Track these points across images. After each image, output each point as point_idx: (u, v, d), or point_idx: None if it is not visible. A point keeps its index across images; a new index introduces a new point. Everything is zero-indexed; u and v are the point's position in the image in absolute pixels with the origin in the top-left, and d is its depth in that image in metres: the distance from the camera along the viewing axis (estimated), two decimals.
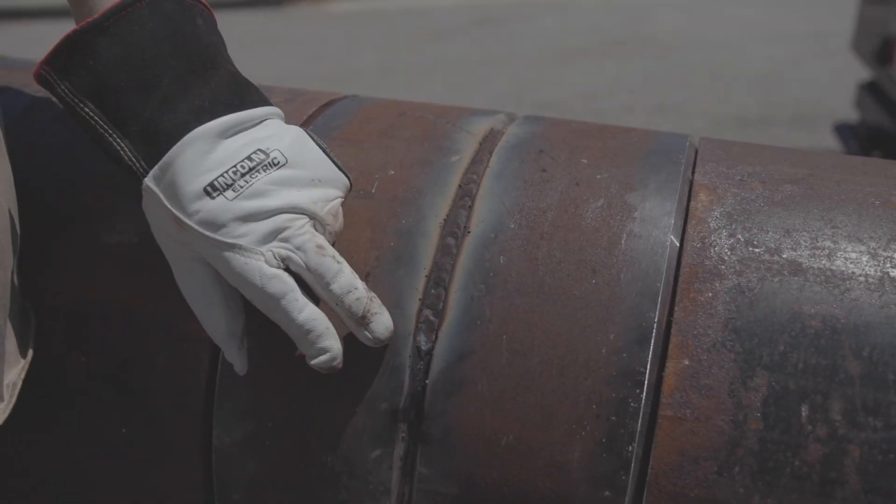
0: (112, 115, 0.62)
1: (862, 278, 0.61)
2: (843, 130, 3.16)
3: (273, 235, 0.61)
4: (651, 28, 6.39)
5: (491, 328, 0.63)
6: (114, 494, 0.75)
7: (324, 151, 0.66)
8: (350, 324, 0.63)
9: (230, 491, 0.69)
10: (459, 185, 0.70)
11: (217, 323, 0.64)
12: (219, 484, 0.69)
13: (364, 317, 0.62)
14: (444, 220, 0.68)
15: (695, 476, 0.59)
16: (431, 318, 0.65)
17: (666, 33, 6.22)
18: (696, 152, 0.74)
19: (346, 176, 0.67)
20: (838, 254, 0.62)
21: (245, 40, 5.86)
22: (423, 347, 0.64)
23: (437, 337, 0.64)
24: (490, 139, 0.76)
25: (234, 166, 0.61)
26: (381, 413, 0.64)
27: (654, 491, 0.60)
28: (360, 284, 0.62)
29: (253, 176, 0.61)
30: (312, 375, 0.65)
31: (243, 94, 0.64)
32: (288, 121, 0.68)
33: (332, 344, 0.62)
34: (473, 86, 5.30)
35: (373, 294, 0.63)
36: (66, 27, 0.65)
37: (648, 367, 0.60)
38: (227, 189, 0.61)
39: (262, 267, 0.61)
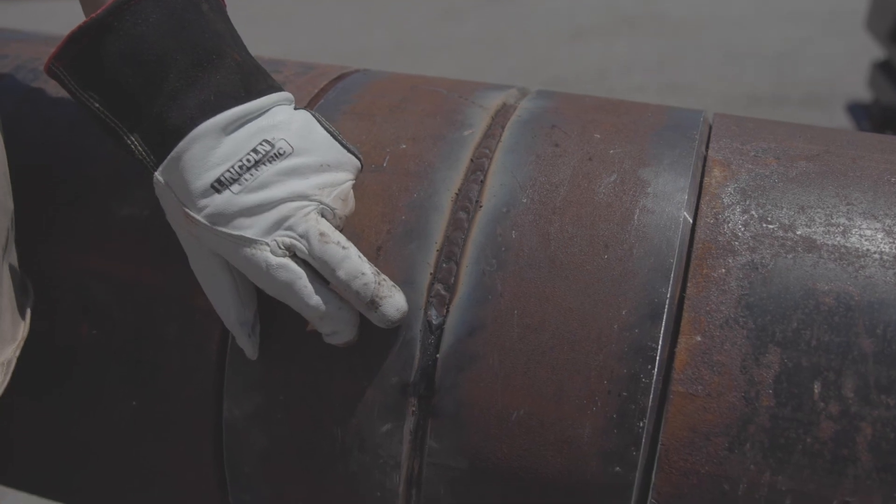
0: (120, 111, 0.62)
1: (877, 255, 0.60)
2: (856, 110, 3.13)
3: (278, 225, 0.62)
4: (664, 6, 6.34)
5: (502, 303, 0.63)
6: (123, 467, 0.75)
7: (332, 135, 0.66)
8: (360, 308, 0.63)
9: (240, 464, 0.69)
10: (471, 160, 0.70)
11: (228, 310, 0.65)
12: (229, 457, 0.69)
13: (373, 301, 0.62)
14: (456, 194, 0.68)
15: (706, 452, 0.59)
16: (443, 292, 0.64)
17: (679, 12, 6.17)
18: (711, 128, 0.73)
19: (357, 157, 0.67)
20: (853, 231, 0.62)
21: (256, 18, 5.84)
22: (434, 322, 0.64)
23: (448, 311, 0.64)
24: (503, 113, 0.75)
25: (241, 160, 0.62)
26: (391, 387, 0.64)
27: (665, 467, 0.60)
28: (368, 268, 0.63)
29: (258, 168, 0.62)
30: (323, 349, 0.65)
31: (250, 84, 0.64)
32: (299, 98, 0.67)
33: (345, 327, 0.63)
34: (485, 64, 5.27)
35: (382, 277, 0.63)
36: (77, 6, 0.65)
37: (660, 342, 0.60)
38: (234, 183, 0.61)
39: (267, 257, 0.61)
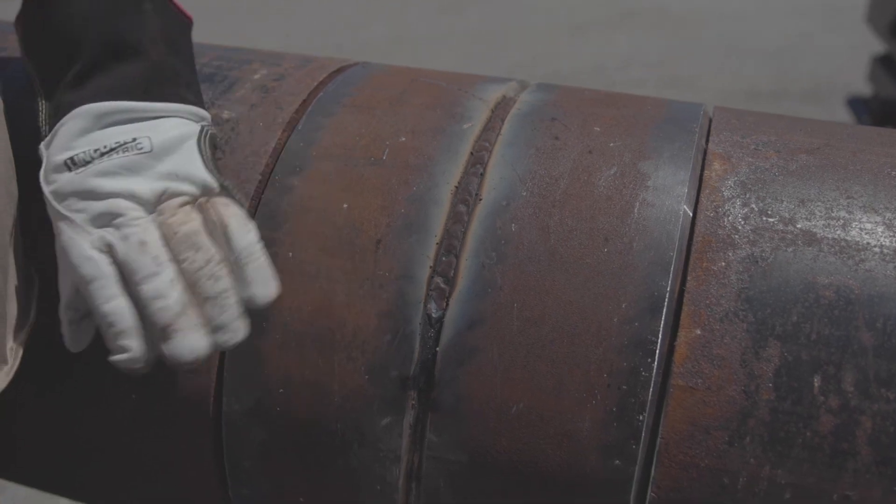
0: (43, 80, 0.65)
1: (877, 249, 0.60)
2: (856, 104, 3.13)
3: (108, 219, 0.60)
4: (663, 1, 6.33)
5: (502, 296, 0.63)
6: (124, 462, 0.75)
7: (201, 155, 0.64)
8: (152, 333, 0.59)
9: (240, 459, 0.69)
10: (471, 153, 0.70)
11: (62, 292, 0.63)
12: (229, 452, 0.69)
13: (165, 329, 0.58)
14: (456, 187, 0.68)
15: (706, 446, 0.59)
16: (442, 285, 0.64)
17: (679, 6, 6.16)
18: (711, 121, 0.73)
19: (217, 179, 0.64)
20: (853, 224, 0.62)
21: (256, 11, 5.83)
22: (434, 315, 0.64)
23: (447, 305, 0.64)
24: (502, 106, 0.75)
25: (100, 147, 0.61)
26: (391, 381, 0.64)
27: (665, 460, 0.60)
28: (176, 295, 0.59)
29: (109, 157, 0.61)
30: (323, 344, 0.65)
31: (155, 87, 0.64)
32: (298, 90, 0.68)
33: (134, 344, 0.59)
34: (484, 58, 5.26)
35: (196, 314, 0.60)
36: None
37: (660, 336, 0.60)
38: (84, 165, 0.61)
39: (83, 246, 0.59)
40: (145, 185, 0.61)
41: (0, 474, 0.85)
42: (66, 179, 0.61)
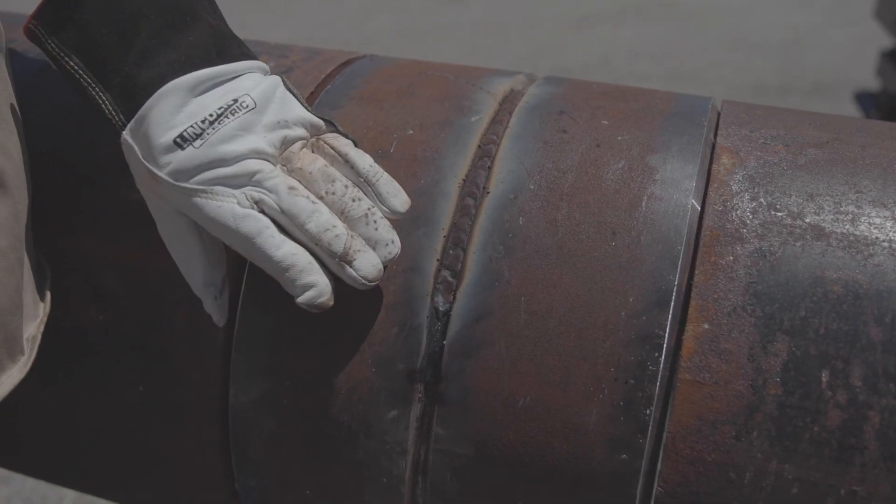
0: (95, 69, 0.62)
1: (886, 244, 0.60)
2: (864, 99, 3.12)
3: (245, 179, 0.61)
4: None
5: (509, 289, 0.63)
6: (130, 453, 0.75)
7: (294, 95, 0.65)
8: (332, 266, 0.61)
9: (247, 449, 0.69)
10: (479, 146, 0.70)
11: (195, 272, 0.64)
12: (235, 442, 0.70)
13: (346, 254, 0.60)
14: (464, 180, 0.68)
15: (712, 440, 0.59)
16: (450, 278, 0.64)
17: None
18: (719, 115, 0.73)
19: (320, 116, 0.66)
20: (862, 219, 0.62)
21: (260, 4, 5.83)
22: (441, 308, 0.64)
23: (454, 298, 0.64)
24: (510, 99, 0.75)
25: (205, 117, 0.61)
26: (398, 373, 0.64)
27: (671, 454, 0.60)
28: (340, 223, 0.61)
29: (221, 122, 0.61)
30: (330, 335, 0.65)
31: (223, 48, 0.64)
32: (306, 83, 0.67)
33: (317, 279, 0.61)
34: (489, 51, 5.25)
35: (356, 235, 0.62)
36: None
37: (668, 330, 0.60)
38: (196, 139, 0.60)
39: (234, 209, 0.60)
40: (266, 140, 0.62)
41: (6, 465, 0.86)
42: (185, 157, 0.60)
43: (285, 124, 0.63)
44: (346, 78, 0.78)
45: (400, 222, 0.66)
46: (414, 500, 0.67)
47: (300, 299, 0.61)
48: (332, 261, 0.61)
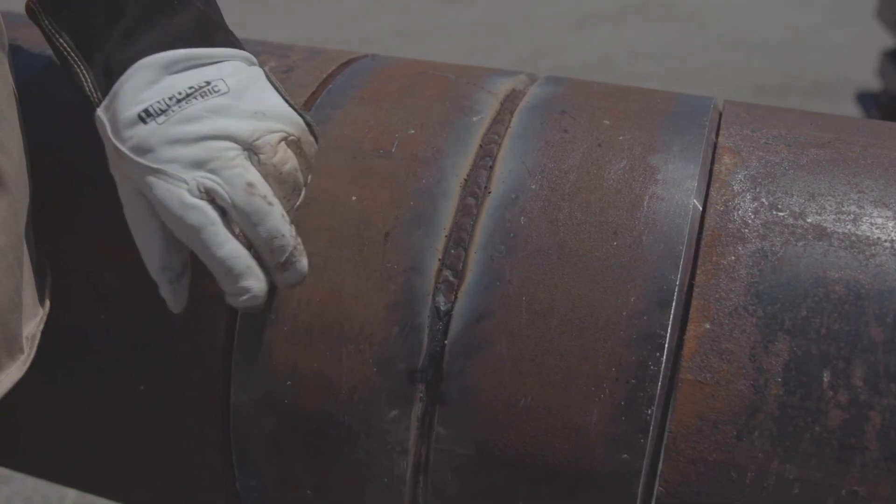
0: (82, 48, 0.62)
1: (888, 244, 0.60)
2: (865, 99, 3.12)
3: (201, 165, 0.59)
4: None
5: (511, 289, 0.63)
6: (131, 452, 0.75)
7: (278, 92, 0.64)
8: (269, 266, 0.61)
9: (248, 449, 0.69)
10: (480, 146, 0.70)
11: (152, 255, 0.63)
12: (236, 442, 0.70)
13: (284, 264, 0.61)
14: (465, 180, 0.68)
15: (714, 440, 0.59)
16: (451, 278, 0.64)
17: None
18: (720, 115, 0.73)
19: (302, 116, 0.64)
20: (864, 219, 0.62)
21: (260, 4, 5.83)
22: (443, 308, 0.64)
23: (456, 297, 0.64)
24: (511, 99, 0.75)
25: (171, 95, 0.60)
26: (399, 373, 0.64)
27: (673, 454, 0.60)
28: (288, 230, 0.61)
29: (189, 102, 0.60)
30: (331, 335, 0.65)
31: (208, 34, 0.63)
32: (307, 82, 0.67)
33: (253, 284, 0.60)
34: (490, 51, 5.25)
35: (298, 240, 0.62)
36: None
37: (669, 330, 0.60)
38: (161, 115, 0.59)
39: (182, 195, 0.59)
40: (239, 125, 0.61)
41: (7, 464, 0.86)
42: (146, 131, 0.59)
43: (262, 116, 0.62)
44: (348, 78, 0.78)
45: (401, 222, 0.66)
46: (415, 500, 0.67)
47: (233, 302, 0.61)
48: (270, 264, 0.61)
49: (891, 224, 0.61)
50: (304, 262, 0.62)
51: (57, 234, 0.72)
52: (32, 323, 0.66)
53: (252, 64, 0.65)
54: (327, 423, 0.66)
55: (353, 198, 0.68)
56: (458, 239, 0.65)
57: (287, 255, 0.60)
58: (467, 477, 0.64)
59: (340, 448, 0.66)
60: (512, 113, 0.73)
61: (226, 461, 0.72)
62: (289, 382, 0.66)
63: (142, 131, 0.59)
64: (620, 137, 0.68)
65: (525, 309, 0.62)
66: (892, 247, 0.60)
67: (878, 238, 0.60)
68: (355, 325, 0.65)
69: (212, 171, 0.59)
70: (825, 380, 0.58)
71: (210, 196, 0.59)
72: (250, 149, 0.61)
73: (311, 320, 0.66)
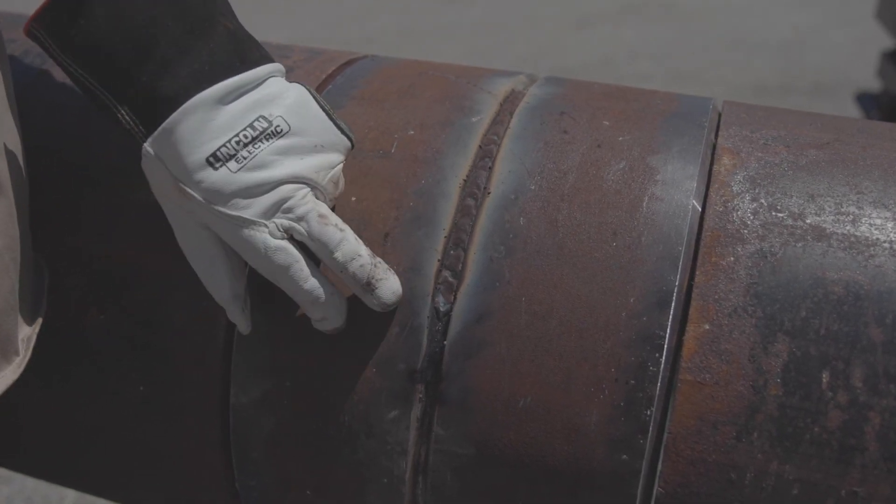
0: (107, 79, 0.60)
1: (887, 245, 0.60)
2: (865, 100, 3.12)
3: (277, 207, 0.61)
4: None
5: (510, 290, 0.63)
6: (130, 453, 0.75)
7: (326, 113, 0.65)
8: (356, 290, 0.63)
9: (247, 449, 0.69)
10: (480, 146, 0.70)
11: (221, 285, 0.64)
12: (236, 442, 0.70)
13: (369, 283, 0.62)
14: (465, 180, 0.68)
15: (713, 441, 0.59)
16: (450, 279, 0.64)
17: None
18: (720, 116, 0.73)
19: (349, 137, 0.66)
20: (863, 220, 0.62)
21: (260, 4, 5.83)
22: (442, 308, 0.64)
23: (455, 298, 0.64)
24: (511, 100, 0.75)
25: (237, 135, 0.60)
26: (398, 374, 0.64)
27: (672, 455, 0.60)
28: (364, 251, 0.63)
29: (255, 146, 0.61)
30: (331, 336, 0.65)
31: (243, 53, 0.63)
32: (307, 83, 0.67)
33: (334, 312, 0.63)
34: (490, 51, 5.26)
35: (378, 259, 0.63)
36: None
37: (668, 331, 0.60)
38: (230, 160, 0.60)
39: (266, 239, 0.61)
40: (306, 167, 0.63)
41: (7, 465, 0.86)
42: (219, 178, 0.60)
43: (321, 149, 0.64)
44: (348, 78, 0.78)
45: (401, 222, 0.66)
46: (414, 500, 0.67)
47: (316, 325, 0.64)
48: (355, 287, 0.63)
49: (890, 225, 0.61)
50: (391, 281, 0.63)
51: (56, 236, 0.72)
52: (29, 325, 0.66)
53: (283, 74, 0.66)
54: (327, 424, 0.66)
55: (353, 198, 0.68)
56: (458, 239, 0.65)
57: (368, 274, 0.62)
58: (467, 477, 0.64)
59: (340, 448, 0.66)
60: (511, 113, 0.73)
61: (225, 461, 0.72)
62: (288, 383, 0.66)
63: (213, 177, 0.60)
64: (620, 138, 0.68)
65: (524, 309, 0.62)
66: (891, 248, 0.60)
67: (878, 239, 0.60)
68: (355, 325, 0.65)
69: (287, 211, 0.62)
70: (824, 380, 0.58)
71: (289, 234, 0.62)
72: (316, 186, 0.63)
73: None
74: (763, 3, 6.01)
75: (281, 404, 0.67)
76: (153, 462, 0.75)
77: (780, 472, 0.58)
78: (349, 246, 0.62)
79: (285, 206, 0.61)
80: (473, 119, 0.72)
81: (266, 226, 0.61)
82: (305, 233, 0.62)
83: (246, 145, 0.61)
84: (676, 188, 0.65)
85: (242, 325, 0.66)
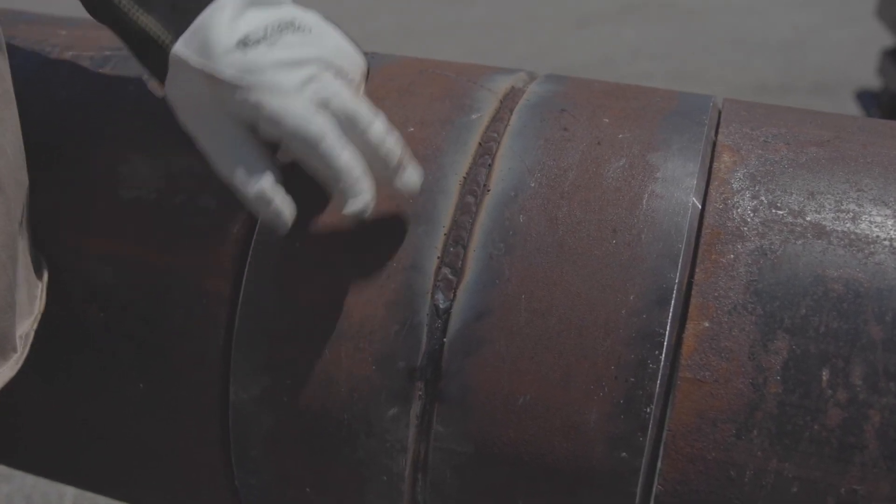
0: None
1: (886, 242, 0.60)
2: (866, 98, 3.12)
3: (310, 81, 0.62)
4: None
5: (510, 287, 0.63)
6: (129, 450, 0.75)
7: (346, 38, 0.68)
8: (385, 173, 0.63)
9: (247, 447, 0.69)
10: (480, 144, 0.70)
11: (263, 175, 0.63)
12: (235, 440, 0.70)
13: (397, 165, 0.63)
14: (464, 178, 0.68)
15: (713, 438, 0.59)
16: (450, 276, 0.64)
17: None
18: (720, 113, 0.73)
19: (365, 60, 0.69)
20: (863, 217, 0.62)
21: None
22: (442, 306, 0.64)
23: (455, 295, 0.64)
24: (511, 97, 0.75)
25: (267, 25, 0.63)
26: (398, 371, 0.64)
27: (672, 453, 0.60)
28: (397, 136, 0.63)
29: (283, 34, 0.63)
30: (331, 333, 0.65)
31: None
32: None
33: (366, 190, 0.62)
34: (491, 50, 5.25)
35: (405, 143, 0.65)
36: None
37: (668, 328, 0.60)
38: (261, 43, 0.62)
39: (304, 106, 0.61)
40: (333, 58, 0.65)
41: (7, 463, 0.86)
42: (252, 55, 0.62)
43: (340, 56, 0.66)
44: None
45: (400, 220, 0.66)
46: (414, 498, 0.67)
47: (349, 209, 0.62)
48: (385, 169, 0.63)
49: (890, 222, 0.61)
50: (416, 168, 0.64)
51: (55, 233, 0.72)
52: (27, 322, 0.66)
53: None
54: (326, 421, 0.66)
55: None
56: (458, 237, 0.65)
57: (398, 156, 0.63)
58: (466, 475, 0.64)
59: (340, 446, 0.66)
60: (511, 111, 0.73)
61: (225, 459, 0.72)
62: (288, 381, 0.66)
63: (247, 55, 0.62)
64: (620, 136, 0.68)
65: (524, 307, 0.62)
66: (891, 245, 0.60)
67: (878, 236, 0.60)
68: (354, 322, 0.65)
69: (320, 87, 0.63)
70: (824, 378, 0.57)
71: (323, 105, 0.62)
72: (346, 76, 0.65)
73: (311, 318, 0.66)
74: (763, 3, 6.01)
75: (280, 402, 0.67)
76: (152, 459, 0.75)
77: (779, 469, 0.58)
78: (382, 125, 0.63)
79: (318, 83, 0.63)
80: (473, 116, 0.72)
81: (302, 95, 0.62)
82: (339, 107, 0.62)
83: (276, 33, 0.63)
84: (676, 185, 0.64)
85: (287, 209, 0.63)
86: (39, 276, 0.70)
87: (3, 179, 0.63)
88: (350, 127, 0.62)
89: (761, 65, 4.91)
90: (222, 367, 0.68)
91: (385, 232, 0.66)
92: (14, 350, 0.65)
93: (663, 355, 0.60)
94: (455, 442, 0.63)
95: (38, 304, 0.69)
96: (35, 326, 0.67)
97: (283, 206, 0.63)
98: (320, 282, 0.66)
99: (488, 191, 0.67)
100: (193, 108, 0.65)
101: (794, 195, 0.63)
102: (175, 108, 0.65)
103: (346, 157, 0.61)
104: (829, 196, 0.63)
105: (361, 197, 0.62)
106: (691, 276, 0.61)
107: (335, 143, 0.61)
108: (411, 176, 0.64)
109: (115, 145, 0.74)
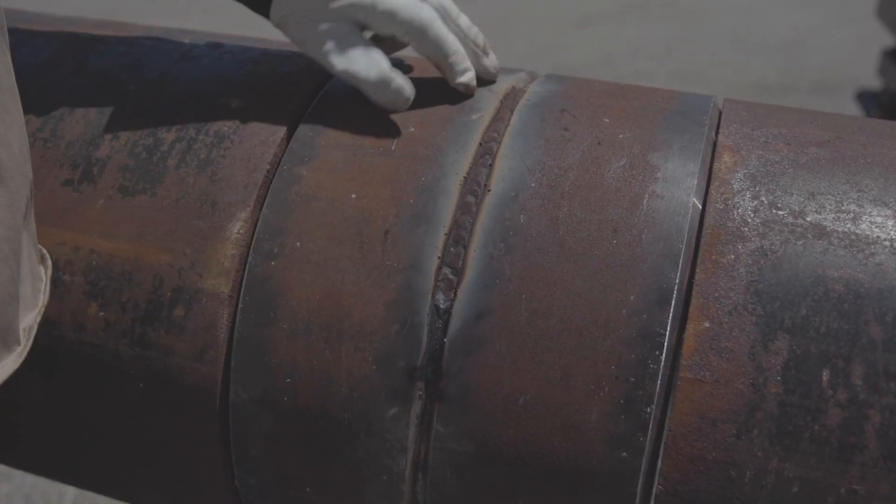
0: None
1: (887, 242, 0.60)
2: (866, 98, 3.12)
3: None
4: None
5: (510, 287, 0.63)
6: (129, 449, 0.75)
7: None
8: (473, 56, 0.75)
9: (247, 447, 0.69)
10: (480, 143, 0.70)
11: (380, 64, 0.72)
12: (236, 439, 0.70)
13: (484, 48, 0.75)
14: (465, 178, 0.68)
15: (713, 439, 0.59)
16: (450, 276, 0.64)
17: None
18: (721, 113, 0.73)
19: None
20: (863, 217, 0.62)
21: None
22: (442, 306, 0.64)
23: (455, 295, 0.64)
24: (511, 97, 0.75)
25: None
26: (398, 371, 0.64)
27: (672, 453, 0.60)
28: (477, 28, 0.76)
29: None
30: (331, 332, 0.65)
31: None
32: (304, 78, 0.70)
33: (470, 65, 0.74)
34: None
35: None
36: None
37: (668, 328, 0.60)
38: None
39: (410, 2, 0.71)
40: None
41: (7, 462, 0.86)
42: None
43: None
44: None
45: (401, 220, 0.66)
46: (414, 498, 0.67)
47: (461, 79, 0.73)
48: (473, 52, 0.75)
49: (890, 223, 0.61)
50: (494, 55, 0.77)
51: (57, 231, 0.72)
52: (30, 315, 0.66)
53: None
54: (327, 421, 0.66)
55: (353, 195, 0.68)
56: (458, 237, 0.65)
57: (483, 40, 0.75)
58: (466, 475, 0.64)
59: (340, 446, 0.66)
60: (512, 111, 0.73)
61: (225, 459, 0.72)
62: (288, 380, 0.66)
63: None
64: (620, 136, 0.68)
65: (524, 307, 0.62)
66: (891, 245, 0.60)
67: (878, 237, 0.60)
68: (355, 322, 0.65)
69: None
70: (824, 378, 0.57)
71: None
72: None
73: (311, 318, 0.66)
74: (763, 3, 6.01)
75: (280, 402, 0.67)
76: (153, 459, 0.75)
77: (779, 469, 0.58)
78: (466, 17, 0.75)
79: None
80: (474, 116, 0.72)
81: None
82: (436, 1, 0.73)
83: None
84: (677, 186, 0.64)
85: (408, 87, 0.72)
86: (44, 269, 0.70)
87: (7, 172, 0.63)
88: (446, 15, 0.73)
89: (761, 65, 4.91)
90: (223, 367, 0.68)
91: (385, 231, 0.66)
92: (18, 342, 0.65)
93: (664, 355, 0.60)
94: (455, 441, 0.63)
95: (42, 298, 0.69)
96: (39, 319, 0.67)
97: (405, 83, 0.72)
98: (321, 281, 0.66)
99: (489, 190, 0.67)
100: (304, 20, 0.72)
101: (795, 195, 0.63)
102: (286, 25, 0.73)
103: (452, 39, 0.73)
104: (829, 196, 0.63)
105: (469, 71, 0.74)
106: (692, 276, 0.61)
107: (441, 27, 0.72)
108: (493, 59, 0.76)
109: (115, 144, 0.74)
